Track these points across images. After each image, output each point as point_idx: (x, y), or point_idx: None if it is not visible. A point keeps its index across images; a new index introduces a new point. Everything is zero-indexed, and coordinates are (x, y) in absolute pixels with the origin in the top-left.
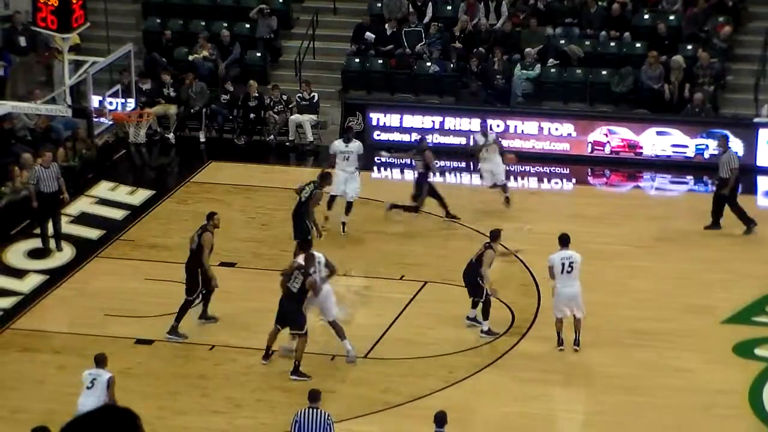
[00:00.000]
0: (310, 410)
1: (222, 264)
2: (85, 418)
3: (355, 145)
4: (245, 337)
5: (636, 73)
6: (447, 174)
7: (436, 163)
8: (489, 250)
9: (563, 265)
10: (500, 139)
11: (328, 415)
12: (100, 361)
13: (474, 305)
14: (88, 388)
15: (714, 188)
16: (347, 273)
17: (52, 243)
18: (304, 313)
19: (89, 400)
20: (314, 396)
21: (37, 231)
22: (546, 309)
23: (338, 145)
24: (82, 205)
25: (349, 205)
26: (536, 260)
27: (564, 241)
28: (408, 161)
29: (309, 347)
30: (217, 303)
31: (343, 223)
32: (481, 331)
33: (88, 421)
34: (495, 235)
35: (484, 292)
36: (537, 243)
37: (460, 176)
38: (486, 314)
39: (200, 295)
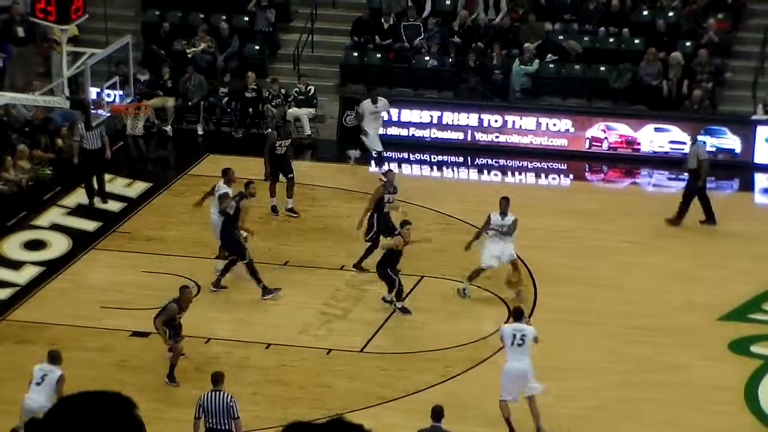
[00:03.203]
0: (213, 393)
1: (218, 257)
2: (78, 399)
3: (383, 103)
4: (241, 330)
5: (634, 69)
6: (444, 169)
7: None
8: (397, 236)
9: (514, 336)
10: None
11: (231, 397)
12: (54, 358)
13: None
14: (37, 383)
15: (686, 183)
16: (343, 268)
17: (96, 200)
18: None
19: (39, 396)
20: (216, 379)
21: (35, 222)
22: (542, 304)
23: (367, 105)
24: (79, 196)
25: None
26: (534, 256)
27: (518, 314)
28: (405, 156)
29: (306, 341)
30: (214, 296)
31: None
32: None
33: (80, 404)
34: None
35: (395, 281)
36: (535, 239)
37: (457, 171)
38: (399, 295)
39: (249, 254)
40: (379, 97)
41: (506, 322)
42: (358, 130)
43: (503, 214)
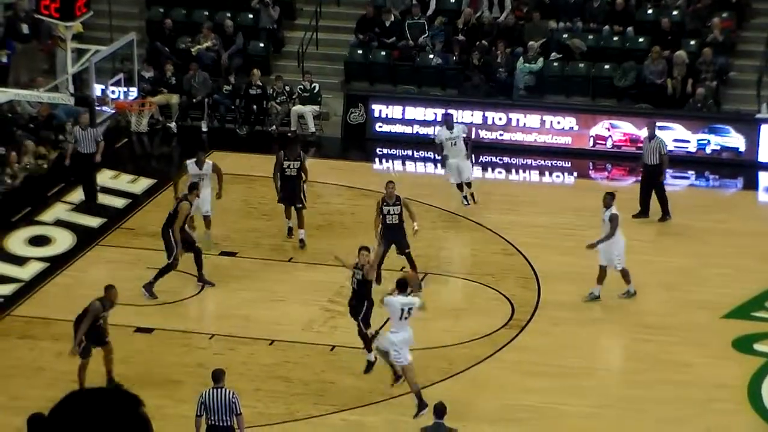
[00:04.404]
0: (215, 390)
1: (223, 253)
2: (85, 396)
3: (459, 128)
4: (245, 326)
5: (639, 67)
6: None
7: None
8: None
9: (402, 311)
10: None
11: (233, 393)
12: None
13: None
14: None
15: (641, 178)
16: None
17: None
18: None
19: None
20: (217, 376)
21: (39, 218)
22: (546, 301)
23: (443, 132)
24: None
25: (468, 184)
26: (537, 253)
27: (403, 286)
28: (410, 153)
29: (310, 338)
30: (218, 292)
31: (471, 195)
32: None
33: (86, 401)
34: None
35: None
36: (538, 237)
37: None
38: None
39: (177, 258)
40: (456, 123)
41: (390, 294)
42: (363, 128)
43: (605, 207)
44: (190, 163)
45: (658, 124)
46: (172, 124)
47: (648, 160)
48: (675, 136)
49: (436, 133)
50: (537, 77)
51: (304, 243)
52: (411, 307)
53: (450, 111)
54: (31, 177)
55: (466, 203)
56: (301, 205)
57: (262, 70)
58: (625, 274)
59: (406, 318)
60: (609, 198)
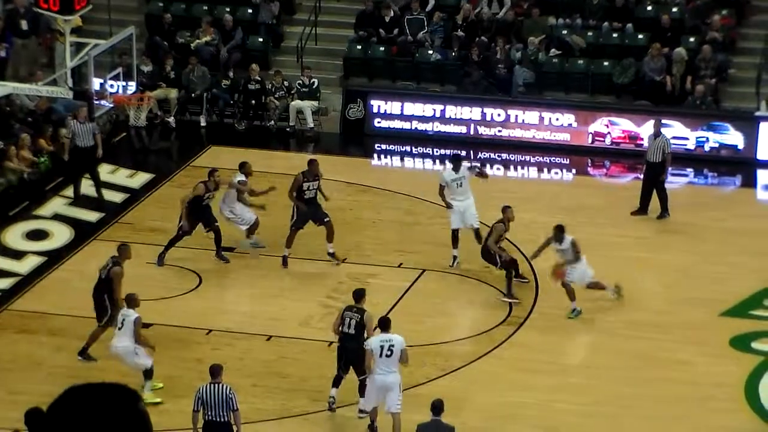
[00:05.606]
0: (212, 385)
1: (222, 249)
2: (83, 391)
3: (464, 170)
4: (242, 322)
5: (638, 64)
6: (447, 163)
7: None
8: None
9: (382, 348)
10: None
11: (230, 389)
12: (130, 301)
13: None
14: (118, 328)
15: (644, 175)
16: (345, 260)
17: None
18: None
19: (120, 341)
20: (215, 371)
21: (37, 212)
22: (544, 299)
23: (448, 174)
24: (82, 187)
25: (476, 232)
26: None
27: (385, 324)
28: (408, 149)
29: (307, 334)
30: (216, 288)
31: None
32: None
33: (84, 396)
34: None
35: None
36: (537, 234)
37: None
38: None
39: (183, 233)
40: (464, 163)
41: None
42: (361, 124)
43: (557, 242)
44: (241, 177)
45: None
46: (171, 119)
47: (651, 158)
48: (674, 133)
49: (441, 174)
50: (536, 73)
51: (338, 258)
52: (392, 344)
53: (459, 153)
54: (33, 173)
55: (451, 264)
56: (328, 219)
57: (261, 65)
58: (571, 291)
59: (388, 356)
60: (560, 231)
